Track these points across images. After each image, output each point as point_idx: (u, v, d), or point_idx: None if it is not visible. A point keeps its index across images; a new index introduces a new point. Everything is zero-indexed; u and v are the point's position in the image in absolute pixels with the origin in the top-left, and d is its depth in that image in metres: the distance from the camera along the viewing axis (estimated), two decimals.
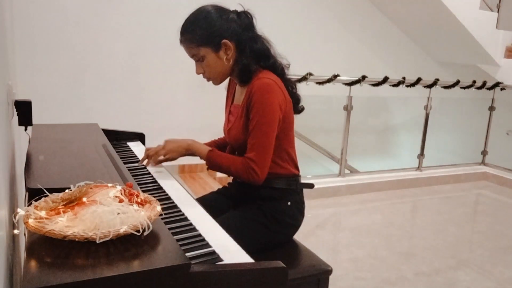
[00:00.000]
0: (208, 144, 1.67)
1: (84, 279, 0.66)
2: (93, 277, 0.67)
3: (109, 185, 0.94)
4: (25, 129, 1.50)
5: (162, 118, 3.63)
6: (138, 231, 0.80)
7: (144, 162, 1.51)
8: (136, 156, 1.63)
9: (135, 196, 0.91)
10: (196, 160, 1.61)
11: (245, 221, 1.44)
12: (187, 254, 0.85)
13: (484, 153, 4.56)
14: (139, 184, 1.28)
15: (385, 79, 3.71)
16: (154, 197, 0.96)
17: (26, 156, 1.26)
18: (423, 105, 4.18)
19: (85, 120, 2.73)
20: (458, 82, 4.13)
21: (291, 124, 1.48)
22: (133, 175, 1.30)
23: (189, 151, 1.51)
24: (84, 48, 3.27)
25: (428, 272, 2.33)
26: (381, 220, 3.08)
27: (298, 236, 1.56)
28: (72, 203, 0.87)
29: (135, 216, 0.82)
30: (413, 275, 2.29)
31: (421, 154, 4.18)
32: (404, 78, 3.82)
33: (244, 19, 1.44)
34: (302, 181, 1.55)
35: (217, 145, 1.69)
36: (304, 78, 3.36)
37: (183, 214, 1.10)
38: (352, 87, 3.65)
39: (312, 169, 3.91)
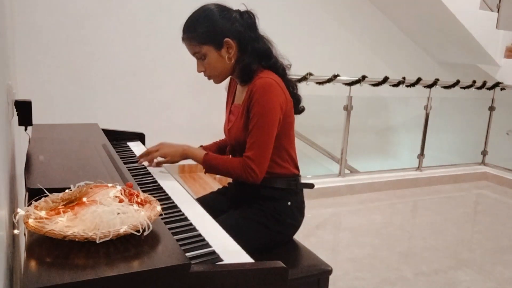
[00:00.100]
0: (210, 146, 1.68)
1: (84, 279, 0.66)
2: (93, 277, 0.67)
3: (109, 185, 0.95)
4: (25, 129, 1.50)
5: (162, 118, 3.63)
6: (138, 231, 0.80)
7: (142, 160, 1.52)
8: (136, 156, 1.63)
9: (135, 196, 0.91)
10: None
11: (245, 221, 1.44)
12: (187, 254, 0.85)
13: (484, 153, 4.56)
14: (139, 184, 1.28)
15: (385, 79, 3.71)
16: (154, 197, 0.96)
17: (26, 156, 1.25)
18: (423, 105, 4.18)
19: (85, 120, 2.72)
20: (458, 82, 4.13)
21: (291, 124, 1.48)
22: (133, 175, 1.30)
23: (184, 156, 1.51)
24: (84, 48, 3.27)
25: (428, 272, 2.33)
26: (381, 220, 3.08)
27: (298, 236, 1.56)
28: (72, 203, 0.87)
29: (135, 216, 0.82)
30: (413, 275, 2.29)
31: (421, 154, 4.18)
32: (404, 78, 3.82)
33: (247, 19, 1.44)
34: (302, 181, 1.55)
35: (219, 146, 1.69)
36: (304, 78, 3.36)
37: (183, 214, 1.10)
38: (352, 87, 3.65)
39: (312, 169, 3.91)
